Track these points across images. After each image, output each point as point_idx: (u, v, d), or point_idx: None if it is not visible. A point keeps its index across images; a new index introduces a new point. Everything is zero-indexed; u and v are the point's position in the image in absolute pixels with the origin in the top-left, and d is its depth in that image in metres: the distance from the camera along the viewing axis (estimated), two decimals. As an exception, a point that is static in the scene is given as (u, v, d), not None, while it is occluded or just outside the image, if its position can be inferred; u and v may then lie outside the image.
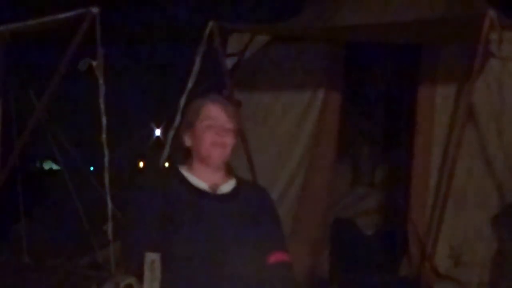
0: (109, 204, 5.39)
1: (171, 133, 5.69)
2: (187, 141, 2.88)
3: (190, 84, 5.99)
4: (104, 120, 5.53)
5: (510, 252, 5.76)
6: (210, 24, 6.04)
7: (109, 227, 5.31)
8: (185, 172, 2.87)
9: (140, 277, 2.51)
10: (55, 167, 15.54)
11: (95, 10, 5.65)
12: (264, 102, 6.93)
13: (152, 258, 2.47)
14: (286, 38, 6.89)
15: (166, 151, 5.69)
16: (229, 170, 2.94)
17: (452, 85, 6.29)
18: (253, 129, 6.60)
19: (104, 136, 5.52)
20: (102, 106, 5.56)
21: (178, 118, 5.44)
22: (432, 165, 6.32)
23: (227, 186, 2.89)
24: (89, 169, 8.21)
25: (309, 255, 6.61)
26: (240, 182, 2.94)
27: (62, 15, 5.89)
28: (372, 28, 6.18)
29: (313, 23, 6.89)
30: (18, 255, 7.23)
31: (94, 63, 5.49)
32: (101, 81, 5.52)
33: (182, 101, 5.61)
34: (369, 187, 8.13)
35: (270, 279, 2.78)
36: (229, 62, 6.71)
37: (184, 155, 2.91)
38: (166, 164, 5.73)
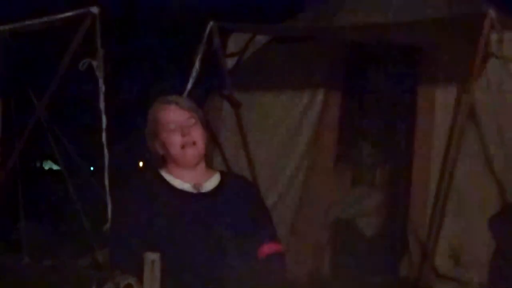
0: (109, 204, 5.39)
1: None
2: (159, 150, 2.88)
3: (190, 84, 5.99)
4: (104, 120, 5.53)
5: (510, 252, 5.75)
6: (210, 24, 6.04)
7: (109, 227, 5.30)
8: (166, 175, 2.86)
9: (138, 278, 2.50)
10: (55, 167, 15.52)
11: (95, 10, 5.65)
12: (264, 102, 6.92)
13: (152, 258, 2.47)
14: (286, 38, 6.88)
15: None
16: (210, 164, 2.93)
17: (452, 85, 6.28)
18: (253, 129, 6.59)
19: (104, 136, 5.52)
20: (102, 106, 5.56)
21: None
22: (432, 165, 6.31)
23: (211, 183, 2.87)
24: (89, 169, 8.21)
25: (310, 255, 6.61)
26: (224, 176, 2.93)
27: (62, 15, 5.89)
28: (372, 28, 6.18)
29: (313, 23, 6.88)
30: (18, 255, 7.24)
31: (94, 63, 5.49)
32: (101, 81, 5.53)
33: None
34: (369, 187, 8.11)
35: (264, 271, 2.77)
36: (229, 62, 6.70)
37: (161, 160, 2.90)
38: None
